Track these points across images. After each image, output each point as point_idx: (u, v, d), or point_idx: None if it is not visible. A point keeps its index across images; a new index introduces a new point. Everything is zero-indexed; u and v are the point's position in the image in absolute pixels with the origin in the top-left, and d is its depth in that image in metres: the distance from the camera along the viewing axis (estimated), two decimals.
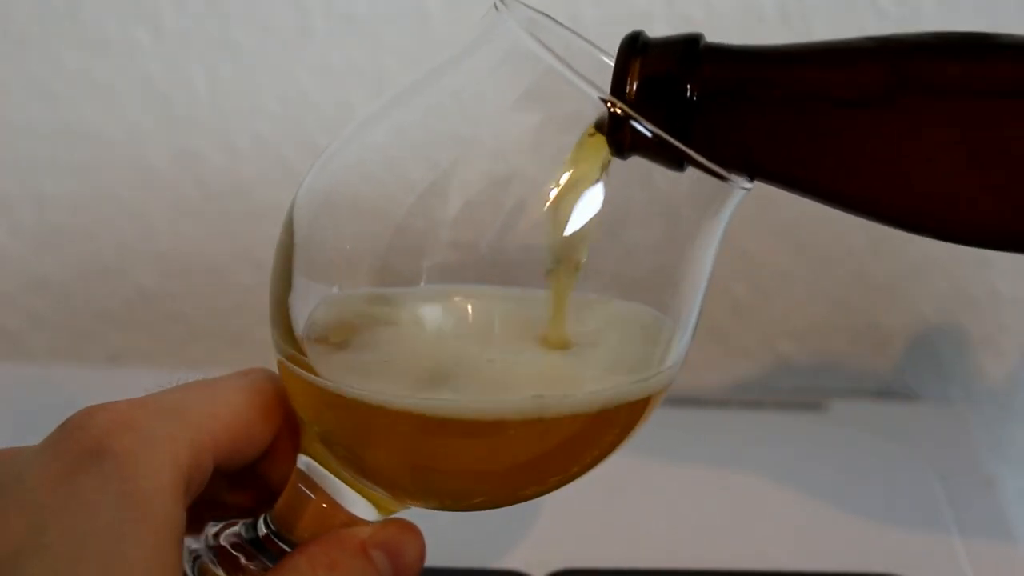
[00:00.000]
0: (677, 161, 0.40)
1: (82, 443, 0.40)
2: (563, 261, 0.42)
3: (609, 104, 0.40)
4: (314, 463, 0.44)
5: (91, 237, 0.75)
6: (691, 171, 0.41)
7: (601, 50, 0.45)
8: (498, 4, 0.42)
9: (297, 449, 0.45)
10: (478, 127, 0.42)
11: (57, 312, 0.76)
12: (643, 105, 0.41)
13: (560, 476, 0.44)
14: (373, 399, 0.41)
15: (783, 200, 0.73)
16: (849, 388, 0.76)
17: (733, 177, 0.41)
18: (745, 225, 0.74)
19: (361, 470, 0.44)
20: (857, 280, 0.74)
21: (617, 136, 0.41)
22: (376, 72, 0.72)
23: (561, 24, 0.44)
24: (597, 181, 0.42)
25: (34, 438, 0.67)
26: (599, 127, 0.41)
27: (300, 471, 0.45)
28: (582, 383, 0.42)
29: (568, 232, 0.41)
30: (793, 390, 0.76)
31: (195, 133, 0.73)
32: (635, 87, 0.41)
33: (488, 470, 0.43)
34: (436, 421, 0.41)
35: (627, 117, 0.40)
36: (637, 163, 0.41)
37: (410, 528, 0.44)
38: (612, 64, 0.42)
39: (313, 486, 0.44)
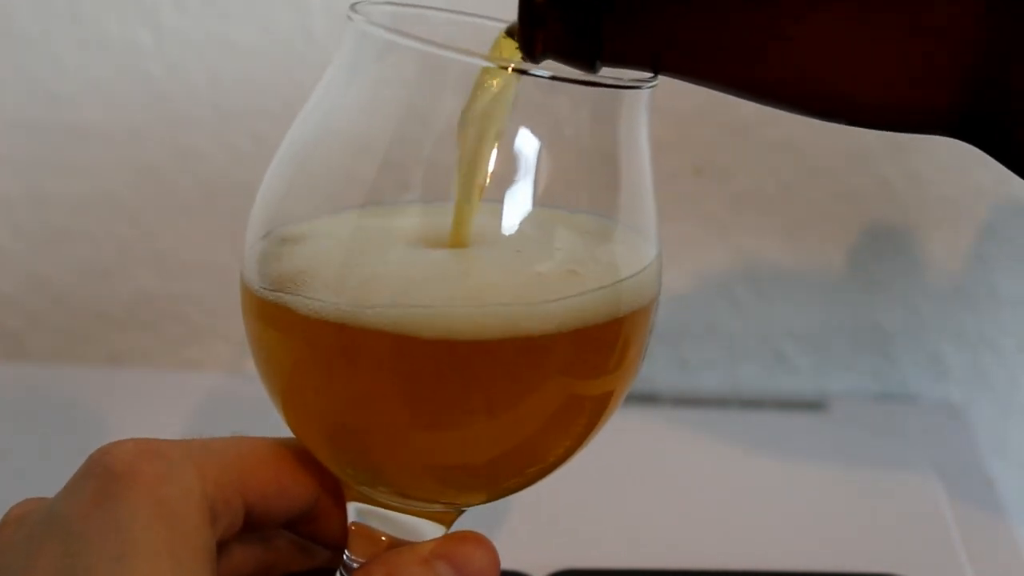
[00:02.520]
0: (589, 63, 0.41)
1: (112, 469, 0.41)
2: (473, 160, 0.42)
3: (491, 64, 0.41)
4: (363, 505, 0.45)
5: (91, 237, 0.75)
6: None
7: (476, 15, 0.45)
8: (350, 14, 0.42)
9: (342, 504, 0.45)
10: (380, 139, 0.42)
11: (57, 312, 0.76)
12: (553, 7, 0.41)
13: (553, 431, 0.43)
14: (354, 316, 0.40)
15: (784, 200, 0.73)
16: (849, 388, 0.76)
17: (635, 84, 0.41)
18: (745, 224, 0.74)
19: (352, 441, 0.43)
20: (857, 280, 0.74)
21: (528, 42, 0.41)
22: None
23: (425, 7, 0.45)
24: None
25: (34, 438, 0.67)
26: (511, 32, 0.42)
27: (354, 520, 0.45)
28: (547, 292, 0.41)
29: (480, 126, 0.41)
30: (793, 390, 0.76)
31: (195, 133, 0.73)
32: None
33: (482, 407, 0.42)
34: (413, 339, 0.40)
35: (521, 68, 0.40)
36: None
37: (475, 538, 0.44)
38: (492, 24, 0.43)
39: (369, 529, 0.45)
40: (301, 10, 0.72)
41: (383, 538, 0.44)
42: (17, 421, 0.69)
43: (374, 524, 0.44)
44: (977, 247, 0.73)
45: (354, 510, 0.45)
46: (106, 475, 0.41)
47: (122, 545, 0.39)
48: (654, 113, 0.72)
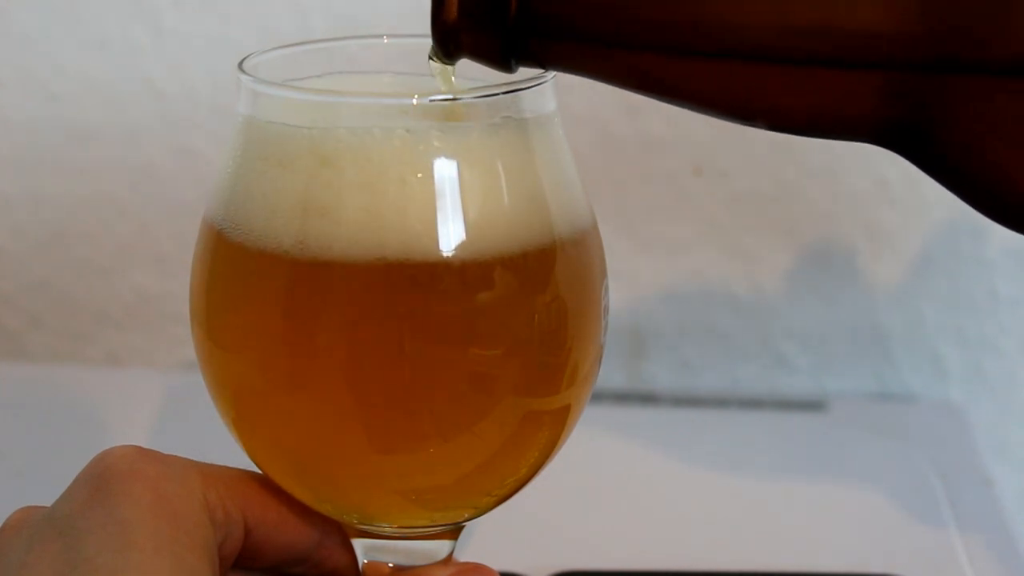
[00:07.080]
0: (506, 65, 0.42)
1: (113, 468, 0.41)
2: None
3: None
4: (367, 540, 0.45)
5: (90, 237, 0.75)
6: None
7: (372, 36, 0.47)
8: (239, 76, 0.44)
9: (349, 546, 0.45)
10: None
11: (57, 312, 0.76)
12: (464, 24, 0.42)
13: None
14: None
15: (784, 200, 0.73)
16: (849, 388, 0.76)
17: (537, 80, 0.43)
18: (745, 224, 0.74)
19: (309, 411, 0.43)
20: (857, 280, 0.74)
21: (443, 50, 0.43)
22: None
23: (323, 39, 0.47)
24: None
25: (34, 438, 0.67)
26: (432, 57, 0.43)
27: (364, 560, 0.45)
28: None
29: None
30: (793, 390, 0.76)
31: (195, 133, 0.73)
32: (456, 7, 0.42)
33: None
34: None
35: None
36: None
37: (481, 569, 0.45)
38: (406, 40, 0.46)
39: (381, 566, 0.45)
40: (301, 10, 0.72)
41: (391, 564, 0.45)
42: (17, 421, 0.69)
43: (383, 558, 0.45)
44: (977, 248, 0.73)
45: (360, 547, 0.45)
46: (107, 474, 0.41)
47: (122, 538, 0.39)
48: (654, 113, 0.73)
